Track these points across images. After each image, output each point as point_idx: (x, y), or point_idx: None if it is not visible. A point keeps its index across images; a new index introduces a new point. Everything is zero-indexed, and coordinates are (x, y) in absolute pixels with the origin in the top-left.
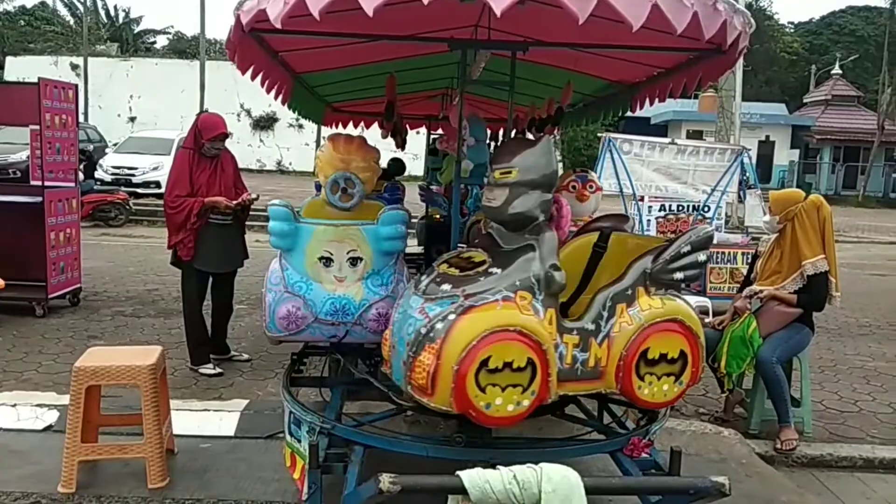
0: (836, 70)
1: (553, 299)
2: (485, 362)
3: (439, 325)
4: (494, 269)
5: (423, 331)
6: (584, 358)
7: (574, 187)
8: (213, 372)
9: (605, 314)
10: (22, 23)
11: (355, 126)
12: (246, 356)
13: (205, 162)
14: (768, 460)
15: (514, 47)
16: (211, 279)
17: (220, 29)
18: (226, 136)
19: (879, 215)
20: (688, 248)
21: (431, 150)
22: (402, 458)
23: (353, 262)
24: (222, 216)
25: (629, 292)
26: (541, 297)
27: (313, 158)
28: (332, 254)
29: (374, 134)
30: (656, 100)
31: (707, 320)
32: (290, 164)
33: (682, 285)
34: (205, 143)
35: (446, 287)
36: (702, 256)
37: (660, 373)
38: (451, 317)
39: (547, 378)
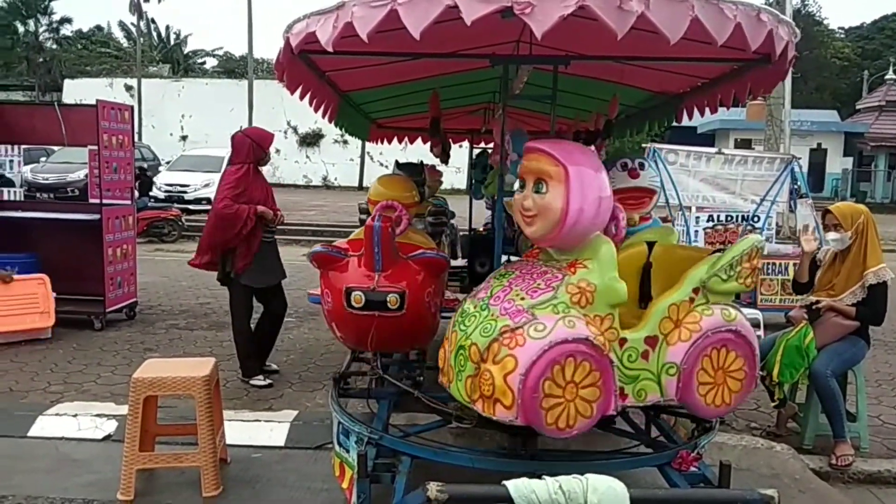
0: (891, 75)
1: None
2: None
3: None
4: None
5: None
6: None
7: None
8: (263, 383)
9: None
10: (79, 46)
11: (399, 141)
12: (274, 366)
13: (259, 177)
14: (823, 476)
15: (555, 62)
16: (255, 294)
17: (267, 48)
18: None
19: None
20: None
21: (475, 164)
22: (449, 469)
23: None
24: (268, 232)
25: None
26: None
27: (358, 174)
28: None
29: (419, 149)
30: (706, 110)
31: (758, 333)
32: (336, 179)
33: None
34: (265, 154)
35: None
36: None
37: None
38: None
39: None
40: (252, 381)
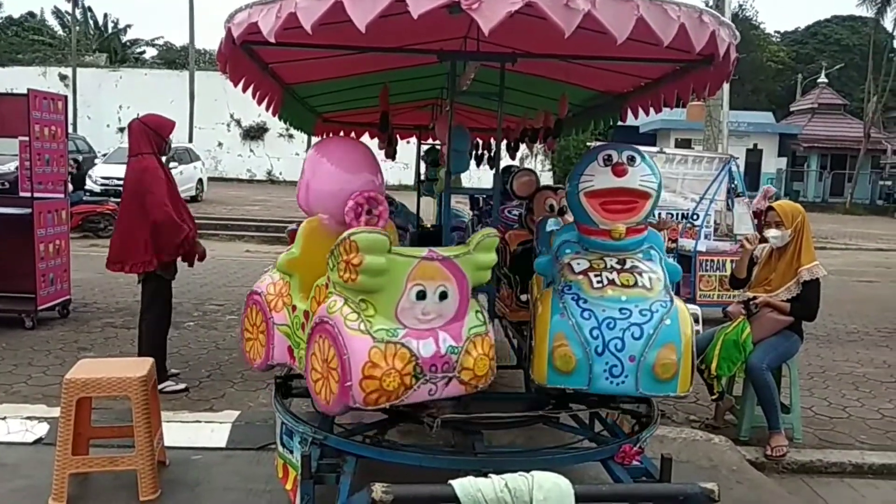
0: (822, 79)
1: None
2: None
3: None
4: None
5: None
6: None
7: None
8: (180, 387)
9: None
10: (10, 33)
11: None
12: (175, 371)
13: (164, 168)
14: (759, 467)
15: (502, 59)
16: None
17: (209, 39)
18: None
19: (866, 222)
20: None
21: (426, 160)
22: (395, 468)
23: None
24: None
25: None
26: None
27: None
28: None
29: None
30: (650, 110)
31: (697, 328)
32: (281, 173)
33: None
34: (166, 143)
35: None
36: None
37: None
38: None
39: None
40: (167, 389)
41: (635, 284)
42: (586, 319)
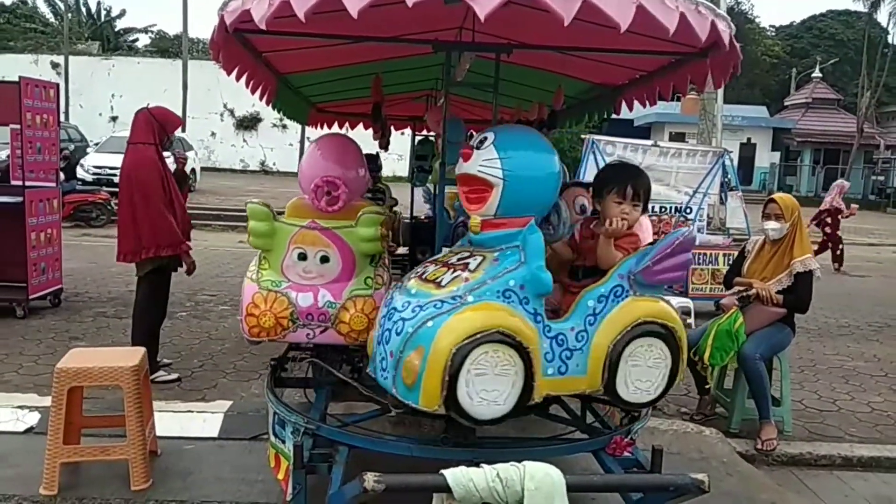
0: (817, 73)
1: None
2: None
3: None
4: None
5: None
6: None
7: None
8: (172, 377)
9: None
10: (1, 20)
11: (340, 126)
12: (167, 360)
13: (163, 160)
14: (749, 459)
15: (498, 50)
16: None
17: (202, 28)
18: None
19: (859, 217)
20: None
21: (419, 156)
22: (387, 458)
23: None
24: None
25: None
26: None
27: (297, 159)
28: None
29: (358, 134)
30: (646, 102)
31: (689, 321)
32: (274, 164)
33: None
34: (169, 138)
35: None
36: None
37: None
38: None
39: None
40: (159, 379)
41: (434, 280)
42: (385, 307)
